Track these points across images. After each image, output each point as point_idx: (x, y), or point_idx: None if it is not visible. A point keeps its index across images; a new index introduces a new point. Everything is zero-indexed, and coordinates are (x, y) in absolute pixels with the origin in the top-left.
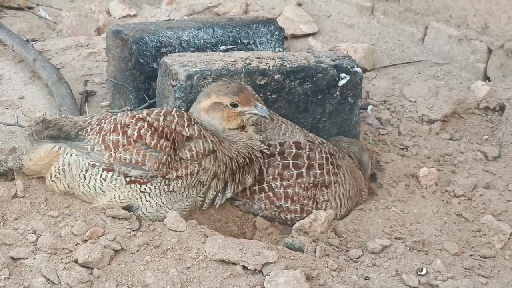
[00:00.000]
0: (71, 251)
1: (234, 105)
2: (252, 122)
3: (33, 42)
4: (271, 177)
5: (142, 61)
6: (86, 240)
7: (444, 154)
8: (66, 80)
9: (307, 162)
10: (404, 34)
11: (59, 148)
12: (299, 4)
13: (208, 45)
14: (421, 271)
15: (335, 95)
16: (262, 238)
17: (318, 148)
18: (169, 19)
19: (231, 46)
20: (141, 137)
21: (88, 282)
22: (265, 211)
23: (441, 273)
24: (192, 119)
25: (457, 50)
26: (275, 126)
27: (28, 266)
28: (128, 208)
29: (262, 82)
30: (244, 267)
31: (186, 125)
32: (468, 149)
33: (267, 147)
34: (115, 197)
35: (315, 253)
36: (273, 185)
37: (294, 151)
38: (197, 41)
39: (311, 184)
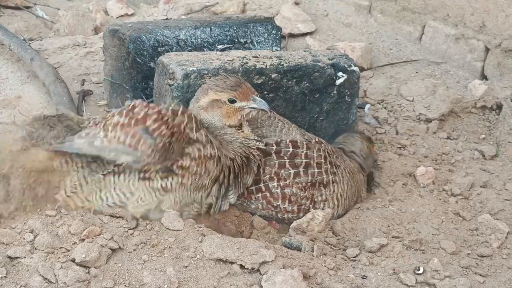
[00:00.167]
0: (68, 250)
1: (232, 101)
2: (252, 117)
3: (30, 42)
4: (267, 176)
5: (139, 60)
6: (83, 239)
7: (442, 153)
8: (64, 79)
9: (304, 160)
10: (402, 33)
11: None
12: (296, 3)
13: (205, 44)
14: (418, 270)
15: (332, 94)
16: (260, 237)
17: (316, 147)
18: (167, 18)
19: (228, 45)
20: (144, 120)
21: (85, 281)
22: (262, 210)
23: (438, 272)
24: (200, 122)
25: (455, 49)
26: (271, 123)
27: (25, 265)
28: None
29: (259, 81)
30: (241, 266)
31: (195, 128)
32: (466, 148)
33: (263, 144)
34: (138, 200)
35: (313, 252)
36: (270, 185)
37: (291, 150)
38: (194, 40)
39: (309, 184)
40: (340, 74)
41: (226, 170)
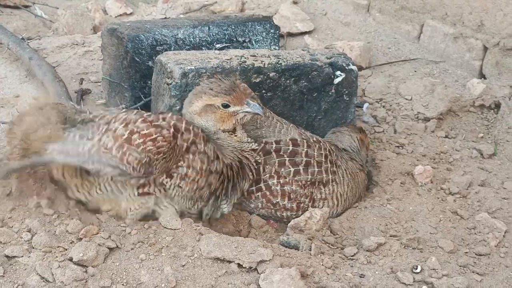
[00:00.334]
0: (66, 249)
1: (226, 106)
2: (246, 121)
3: (28, 41)
4: (268, 175)
5: (137, 59)
6: (81, 239)
7: (440, 152)
8: (62, 78)
9: (305, 159)
10: (400, 32)
11: None
12: (295, 2)
13: (203, 43)
14: (416, 268)
15: (330, 93)
16: (258, 236)
17: (317, 145)
18: (165, 18)
19: (226, 44)
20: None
21: (82, 280)
22: (261, 209)
23: (436, 270)
24: (206, 136)
25: (453, 48)
26: (270, 123)
27: (23, 264)
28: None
29: (257, 80)
30: (239, 265)
31: (203, 144)
32: (464, 147)
33: (256, 145)
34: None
35: (310, 250)
36: (269, 183)
37: (291, 148)
38: (192, 39)
39: (309, 182)
40: (338, 73)
41: (226, 180)
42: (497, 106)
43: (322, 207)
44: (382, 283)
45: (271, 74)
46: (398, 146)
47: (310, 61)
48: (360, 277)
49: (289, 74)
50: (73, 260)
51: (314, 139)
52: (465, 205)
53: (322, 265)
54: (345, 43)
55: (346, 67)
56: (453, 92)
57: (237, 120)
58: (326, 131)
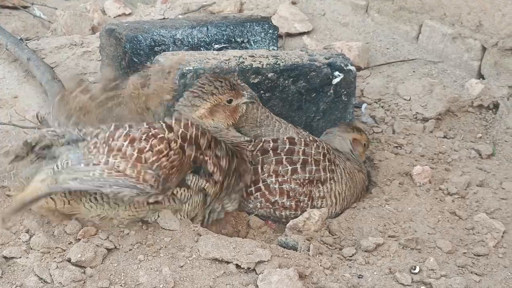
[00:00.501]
0: (64, 250)
1: (230, 101)
2: (244, 110)
3: (27, 41)
4: (266, 174)
5: (135, 60)
6: (79, 239)
7: (438, 152)
8: (60, 79)
9: (302, 157)
10: (399, 33)
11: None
12: (293, 3)
13: (202, 44)
14: (414, 269)
15: (328, 94)
16: (256, 237)
17: (315, 144)
18: (164, 18)
19: (225, 45)
20: (148, 151)
21: (80, 281)
22: (260, 209)
23: (434, 271)
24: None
25: (451, 48)
26: (269, 123)
27: (21, 265)
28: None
29: (256, 80)
30: (237, 266)
31: (219, 148)
32: (462, 147)
33: (248, 138)
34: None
35: (309, 251)
36: (268, 181)
37: (287, 146)
38: (191, 40)
39: (307, 180)
40: (336, 73)
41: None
42: (496, 106)
43: (320, 206)
44: (380, 283)
45: (270, 75)
46: (396, 147)
47: (308, 62)
48: (358, 277)
49: (287, 74)
50: (71, 261)
51: (311, 138)
52: (464, 206)
53: (321, 265)
54: (343, 44)
55: (345, 68)
56: (451, 93)
57: (241, 111)
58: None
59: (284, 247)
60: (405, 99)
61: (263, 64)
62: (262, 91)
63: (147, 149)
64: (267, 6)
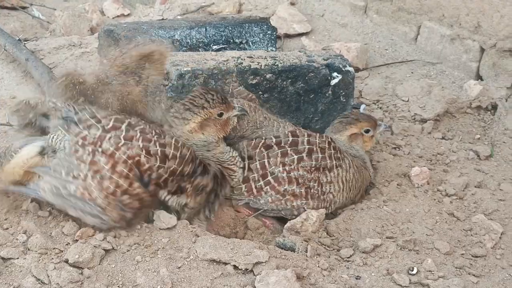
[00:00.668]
0: (62, 251)
1: (220, 115)
2: (235, 123)
3: (25, 42)
4: (273, 166)
5: None
6: (76, 240)
7: (436, 153)
8: None
9: (307, 146)
10: (397, 34)
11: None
12: (292, 4)
13: (200, 45)
14: (412, 270)
15: (327, 95)
16: (254, 238)
17: (318, 134)
18: (162, 19)
19: (223, 46)
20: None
21: (78, 282)
22: (271, 204)
23: (432, 272)
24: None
25: (450, 49)
26: (268, 123)
27: (18, 266)
28: None
29: (254, 81)
30: (235, 267)
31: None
32: (460, 148)
33: (236, 152)
34: None
35: (306, 252)
36: (276, 172)
37: (290, 139)
38: (189, 41)
39: (313, 168)
40: (334, 74)
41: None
42: (494, 107)
43: (328, 192)
44: (378, 284)
45: (268, 76)
46: (394, 148)
47: (306, 63)
48: (356, 278)
49: (285, 75)
50: (69, 262)
51: (308, 133)
52: (462, 207)
53: (318, 266)
54: (342, 45)
55: (343, 69)
56: (450, 94)
57: (232, 124)
58: (322, 133)
59: (282, 248)
60: (403, 100)
61: (261, 65)
62: (260, 92)
63: (124, 188)
64: (266, 7)
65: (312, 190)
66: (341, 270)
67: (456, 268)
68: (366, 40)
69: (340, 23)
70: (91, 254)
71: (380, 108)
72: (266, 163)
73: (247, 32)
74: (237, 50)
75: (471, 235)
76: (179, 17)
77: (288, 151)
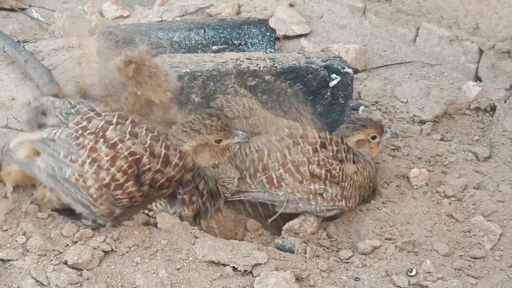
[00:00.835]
0: (61, 253)
1: (219, 141)
2: (235, 151)
3: (24, 43)
4: (293, 155)
5: None
6: (76, 242)
7: (435, 155)
8: (58, 81)
9: (319, 140)
10: (396, 35)
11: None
12: (291, 5)
13: (199, 46)
14: (411, 271)
15: (325, 96)
16: (253, 239)
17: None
18: (161, 20)
19: (222, 47)
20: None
21: (77, 283)
22: (290, 194)
23: (431, 273)
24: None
25: (449, 50)
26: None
27: (18, 268)
28: None
29: (253, 83)
30: (234, 268)
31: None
32: (459, 150)
33: (234, 171)
34: None
35: (305, 254)
36: (295, 158)
37: (301, 131)
38: (188, 42)
39: (330, 155)
40: (333, 76)
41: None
42: (493, 108)
43: (347, 178)
44: (377, 286)
45: (267, 77)
46: (393, 149)
47: (305, 64)
48: (355, 280)
49: (284, 77)
50: (68, 263)
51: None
52: (460, 208)
53: (317, 268)
54: (341, 46)
55: (342, 70)
56: (448, 95)
57: (231, 151)
58: None
59: (281, 250)
60: (402, 102)
61: (260, 67)
62: (259, 94)
63: (120, 182)
64: (265, 8)
65: (333, 173)
66: (340, 271)
67: (455, 269)
68: (365, 41)
69: (339, 25)
70: (90, 255)
71: (379, 109)
72: (287, 154)
73: (246, 34)
74: (236, 51)
75: (470, 236)
76: (178, 18)
77: (300, 142)
